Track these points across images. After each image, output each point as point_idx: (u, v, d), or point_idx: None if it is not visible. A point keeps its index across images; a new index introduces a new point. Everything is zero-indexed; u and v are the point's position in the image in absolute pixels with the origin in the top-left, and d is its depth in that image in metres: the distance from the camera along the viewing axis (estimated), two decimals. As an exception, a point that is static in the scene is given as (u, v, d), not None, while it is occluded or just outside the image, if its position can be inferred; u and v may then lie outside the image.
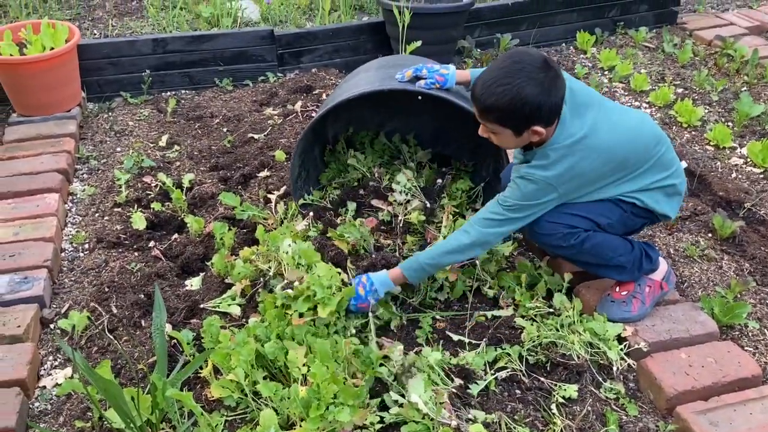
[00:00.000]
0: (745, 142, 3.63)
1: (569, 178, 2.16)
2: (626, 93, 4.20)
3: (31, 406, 2.19)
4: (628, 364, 2.33)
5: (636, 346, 2.33)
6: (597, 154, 2.14)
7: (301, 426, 1.93)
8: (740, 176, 3.37)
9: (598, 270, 2.45)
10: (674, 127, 3.82)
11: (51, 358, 2.37)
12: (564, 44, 4.86)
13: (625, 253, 2.36)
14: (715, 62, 4.50)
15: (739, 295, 2.63)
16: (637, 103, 4.08)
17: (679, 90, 4.22)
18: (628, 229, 2.39)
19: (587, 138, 2.12)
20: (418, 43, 3.75)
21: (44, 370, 2.32)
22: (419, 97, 2.82)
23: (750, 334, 2.49)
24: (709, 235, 2.98)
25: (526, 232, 2.41)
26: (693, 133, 3.77)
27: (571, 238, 2.26)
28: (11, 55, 3.57)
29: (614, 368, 2.31)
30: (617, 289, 2.46)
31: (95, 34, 4.57)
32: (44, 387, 2.25)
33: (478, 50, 4.63)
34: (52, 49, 3.62)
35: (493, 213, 2.26)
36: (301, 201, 2.91)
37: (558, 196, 2.20)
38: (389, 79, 2.64)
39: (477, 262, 2.59)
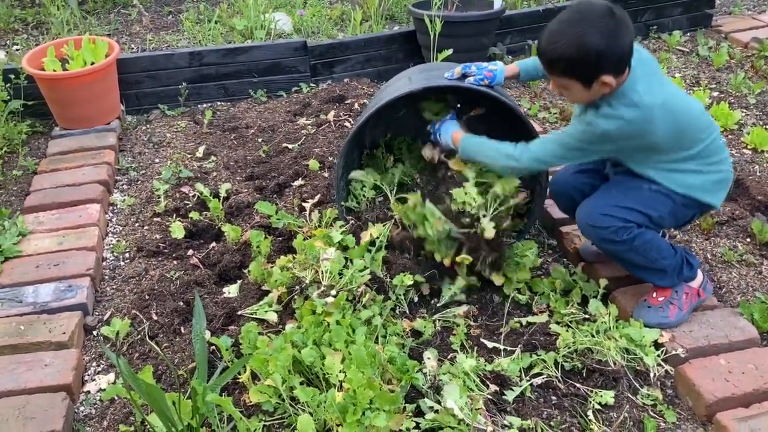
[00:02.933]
0: (784, 146, 3.57)
1: (629, 136, 2.12)
2: (660, 97, 4.15)
3: (76, 410, 2.25)
4: (666, 371, 2.30)
5: (673, 352, 2.31)
6: (663, 122, 2.10)
7: (337, 431, 1.95)
8: (779, 180, 3.32)
9: (640, 272, 2.42)
10: (710, 131, 3.77)
11: (94, 363, 2.44)
12: (596, 49, 4.83)
13: (668, 257, 2.36)
14: (752, 65, 4.43)
15: (779, 301, 2.59)
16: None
17: (715, 93, 4.16)
18: (678, 221, 2.38)
19: (659, 104, 2.08)
20: (449, 51, 3.76)
21: (88, 375, 2.39)
22: (458, 105, 2.85)
23: (792, 340, 2.45)
24: (748, 239, 2.94)
25: (579, 226, 2.41)
26: (730, 136, 3.72)
27: (624, 233, 2.25)
28: (54, 70, 3.68)
29: (651, 374, 2.29)
30: (654, 294, 2.44)
31: (133, 49, 4.69)
32: (88, 392, 2.31)
33: (510, 57, 4.63)
34: (93, 63, 3.73)
35: (543, 142, 2.32)
36: (346, 204, 2.92)
37: (612, 149, 2.24)
38: (434, 79, 2.66)
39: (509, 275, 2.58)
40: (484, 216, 2.53)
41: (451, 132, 2.62)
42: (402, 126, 3.15)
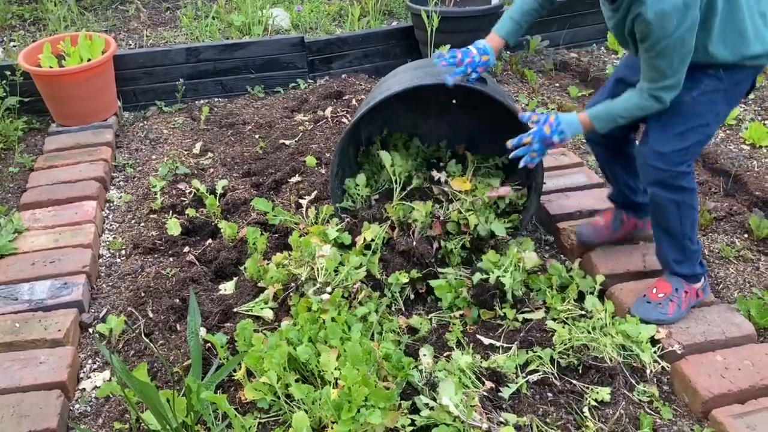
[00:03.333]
0: (782, 141, 3.56)
1: None
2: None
3: (71, 407, 2.25)
4: (662, 367, 2.30)
5: (670, 349, 2.31)
6: None
7: (332, 428, 1.95)
8: (777, 175, 3.31)
9: (666, 245, 2.39)
10: (709, 127, 3.76)
11: (90, 361, 2.44)
12: (595, 45, 4.82)
13: (695, 242, 2.37)
14: (751, 60, 4.41)
15: (776, 297, 2.58)
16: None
17: (714, 88, 4.15)
18: (739, 99, 2.26)
19: None
20: (447, 47, 3.75)
21: (84, 372, 2.39)
22: (454, 101, 2.84)
23: (789, 336, 2.44)
24: (745, 235, 2.93)
25: (639, 167, 2.33)
26: (728, 132, 3.71)
27: (683, 179, 2.22)
28: (51, 67, 3.67)
29: (647, 371, 2.28)
30: (654, 290, 2.44)
31: (130, 45, 4.67)
32: (84, 389, 2.31)
33: (508, 52, 4.62)
34: (90, 60, 3.72)
35: (656, 70, 2.09)
36: (341, 204, 2.90)
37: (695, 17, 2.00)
38: (430, 76, 2.62)
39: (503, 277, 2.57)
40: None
41: (574, 118, 2.33)
42: (398, 123, 3.14)
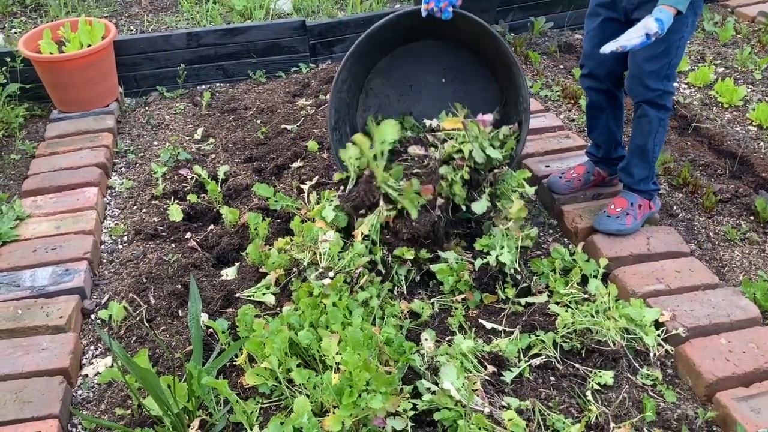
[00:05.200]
0: (789, 122, 3.51)
1: None
2: (664, 74, 4.09)
3: (74, 394, 2.25)
4: (666, 350, 2.28)
5: (674, 332, 2.29)
6: None
7: (334, 413, 1.94)
8: (784, 157, 3.27)
9: (639, 159, 2.66)
10: (715, 108, 3.72)
11: (92, 347, 2.44)
12: (600, 26, 4.76)
13: (655, 162, 2.69)
14: (759, 39, 4.36)
15: (782, 279, 2.56)
16: (675, 84, 3.97)
17: (720, 69, 4.10)
18: (701, 9, 2.48)
19: None
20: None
21: (86, 359, 2.39)
22: (443, 80, 2.98)
23: (794, 318, 2.42)
24: (751, 217, 2.90)
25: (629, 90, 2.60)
26: (735, 113, 3.66)
27: (668, 99, 2.54)
28: (51, 53, 3.65)
29: (651, 354, 2.27)
30: (612, 206, 2.72)
31: (132, 30, 4.65)
32: (86, 375, 2.31)
33: (512, 34, 4.57)
34: (90, 46, 3.69)
35: None
36: (338, 176, 2.90)
37: None
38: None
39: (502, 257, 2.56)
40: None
41: (667, 13, 2.27)
42: (391, 108, 3.13)
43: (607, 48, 2.26)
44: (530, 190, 2.71)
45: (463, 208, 2.66)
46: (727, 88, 3.72)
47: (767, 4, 4.71)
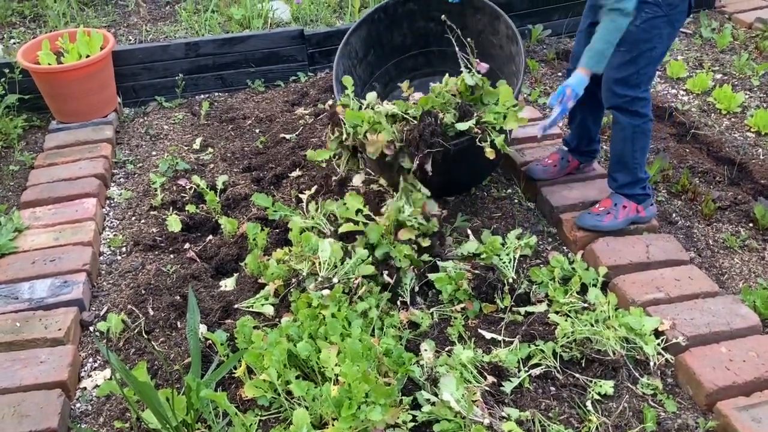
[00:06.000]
0: (788, 128, 3.51)
1: None
2: (662, 80, 4.10)
3: (72, 407, 2.24)
4: (666, 359, 2.28)
5: (674, 341, 2.28)
6: None
7: (333, 425, 1.94)
8: (783, 163, 3.27)
9: (620, 165, 2.70)
10: (713, 115, 3.72)
11: (91, 359, 2.43)
12: (598, 33, 4.77)
13: (644, 171, 2.71)
14: (756, 45, 4.36)
15: (782, 287, 2.55)
16: (673, 91, 3.98)
17: (718, 76, 4.10)
18: (684, 16, 2.53)
19: None
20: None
21: (84, 371, 2.38)
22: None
23: (794, 326, 2.41)
24: (750, 224, 2.90)
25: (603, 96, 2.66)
26: (733, 119, 3.66)
27: (639, 104, 2.57)
28: (49, 64, 3.65)
29: (651, 363, 2.26)
30: (596, 205, 2.80)
31: (130, 40, 4.65)
32: (85, 388, 2.31)
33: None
34: (88, 56, 3.70)
35: None
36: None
37: None
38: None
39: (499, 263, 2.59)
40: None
41: (580, 76, 2.51)
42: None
43: (539, 133, 2.59)
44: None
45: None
46: (725, 95, 3.73)
47: (764, 11, 4.72)
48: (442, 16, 2.90)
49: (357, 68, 3.21)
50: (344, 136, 2.75)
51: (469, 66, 2.77)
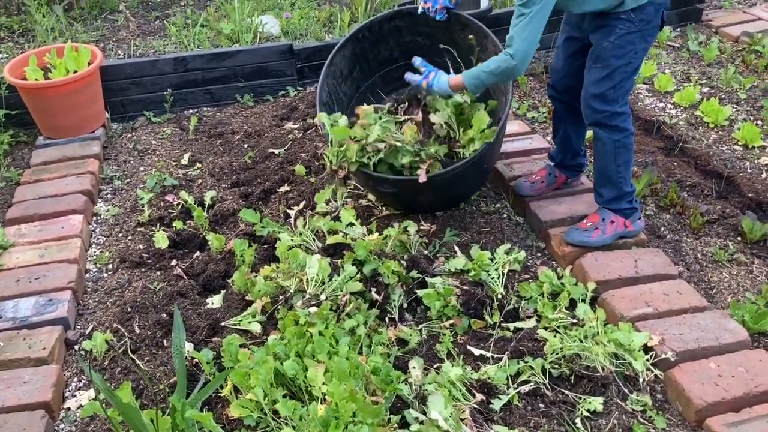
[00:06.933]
0: (775, 141, 3.53)
1: None
2: (650, 94, 4.12)
3: (56, 427, 2.21)
4: (655, 375, 2.27)
5: (663, 356, 2.28)
6: None
7: (320, 445, 1.91)
8: (770, 176, 3.28)
9: (604, 181, 2.71)
10: (701, 128, 3.73)
11: (75, 379, 2.40)
12: (586, 46, 4.79)
13: (629, 185, 2.71)
14: (743, 59, 4.39)
15: (771, 301, 2.55)
16: (661, 104, 4.00)
17: (705, 89, 4.13)
18: (654, 34, 2.57)
19: None
20: None
21: (69, 391, 2.35)
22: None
23: (783, 341, 2.41)
24: (738, 238, 2.90)
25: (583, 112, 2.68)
26: (720, 133, 3.68)
27: (618, 119, 2.58)
28: (36, 79, 3.64)
29: (640, 379, 2.25)
30: (584, 221, 2.79)
31: (120, 55, 4.64)
32: (69, 408, 2.27)
33: (499, 56, 4.59)
34: (76, 72, 3.69)
35: (514, 33, 2.43)
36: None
37: None
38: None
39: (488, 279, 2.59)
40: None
41: (446, 80, 2.75)
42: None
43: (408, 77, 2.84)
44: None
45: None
46: (713, 108, 3.75)
47: (750, 24, 4.76)
48: (441, 45, 2.95)
49: (342, 86, 3.21)
50: (333, 164, 2.82)
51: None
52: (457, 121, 2.89)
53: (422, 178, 2.69)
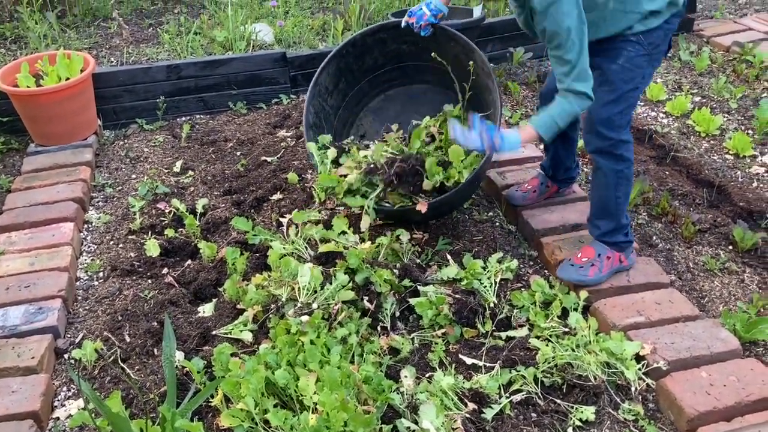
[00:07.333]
0: (766, 150, 3.55)
1: None
2: (642, 103, 4.13)
3: (45, 437, 2.19)
4: (647, 384, 2.27)
5: (655, 365, 2.27)
6: None
7: (311, 455, 1.90)
8: (762, 185, 3.29)
9: (600, 213, 2.63)
10: (692, 137, 3.75)
11: (65, 388, 2.38)
12: (578, 56, 4.82)
13: (625, 216, 2.62)
14: (734, 69, 4.42)
15: (762, 309, 2.56)
16: (653, 114, 4.02)
17: (697, 99, 4.15)
18: (660, 59, 2.50)
19: None
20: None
21: (58, 401, 2.33)
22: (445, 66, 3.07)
23: (774, 350, 2.42)
24: (730, 247, 2.91)
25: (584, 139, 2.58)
26: (712, 142, 3.70)
27: (622, 147, 2.48)
28: (28, 87, 3.63)
29: (632, 388, 2.25)
30: (578, 255, 2.66)
31: (112, 62, 4.63)
32: (57, 418, 2.25)
33: (492, 65, 4.60)
34: (68, 79, 3.68)
35: (564, 66, 2.29)
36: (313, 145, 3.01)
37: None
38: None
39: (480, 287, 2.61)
40: None
41: (516, 138, 2.44)
42: (371, 138, 3.18)
43: (451, 134, 2.47)
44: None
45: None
46: (704, 117, 3.76)
47: (741, 35, 4.79)
48: (432, 53, 2.96)
49: (328, 100, 3.21)
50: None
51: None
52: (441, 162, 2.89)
53: (422, 208, 2.69)
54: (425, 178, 2.79)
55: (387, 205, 2.84)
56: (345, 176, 2.87)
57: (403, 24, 2.90)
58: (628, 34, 2.38)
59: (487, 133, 2.39)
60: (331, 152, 2.96)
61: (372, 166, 2.85)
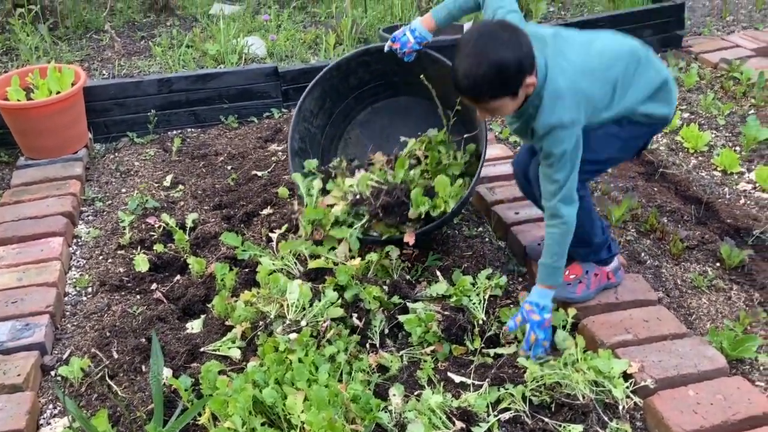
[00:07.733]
0: (753, 167, 3.57)
1: (580, 101, 2.22)
2: (632, 119, 4.16)
3: (30, 456, 2.18)
4: (635, 403, 2.27)
5: (642, 383, 2.28)
6: (589, 76, 2.25)
7: (298, 475, 1.90)
8: (749, 202, 3.32)
9: (574, 240, 2.44)
10: (681, 153, 3.78)
11: (51, 406, 2.36)
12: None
13: (598, 234, 2.57)
14: (722, 85, 4.46)
15: (749, 327, 2.57)
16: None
17: (685, 115, 4.18)
18: (632, 152, 2.53)
19: (578, 71, 2.24)
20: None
21: (44, 419, 2.31)
22: (419, 133, 3.05)
23: (761, 368, 2.43)
24: (717, 264, 2.93)
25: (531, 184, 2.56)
26: (700, 158, 3.72)
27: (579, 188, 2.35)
28: (18, 100, 3.62)
29: (620, 407, 2.25)
30: (566, 272, 2.59)
31: (104, 75, 4.64)
32: (43, 436, 2.24)
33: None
34: (59, 92, 3.67)
35: (552, 186, 2.28)
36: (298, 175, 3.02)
37: (586, 119, 2.27)
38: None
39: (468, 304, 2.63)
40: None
41: (543, 295, 2.42)
42: (366, 157, 3.18)
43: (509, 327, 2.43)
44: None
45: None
46: (692, 134, 3.79)
47: (729, 51, 4.83)
48: (421, 76, 2.95)
49: (314, 122, 3.21)
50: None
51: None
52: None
53: (410, 240, 2.73)
54: (411, 206, 2.80)
55: (374, 235, 2.85)
56: (332, 206, 2.87)
57: (386, 49, 2.89)
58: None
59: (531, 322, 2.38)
60: (317, 183, 2.95)
61: (358, 197, 2.86)
